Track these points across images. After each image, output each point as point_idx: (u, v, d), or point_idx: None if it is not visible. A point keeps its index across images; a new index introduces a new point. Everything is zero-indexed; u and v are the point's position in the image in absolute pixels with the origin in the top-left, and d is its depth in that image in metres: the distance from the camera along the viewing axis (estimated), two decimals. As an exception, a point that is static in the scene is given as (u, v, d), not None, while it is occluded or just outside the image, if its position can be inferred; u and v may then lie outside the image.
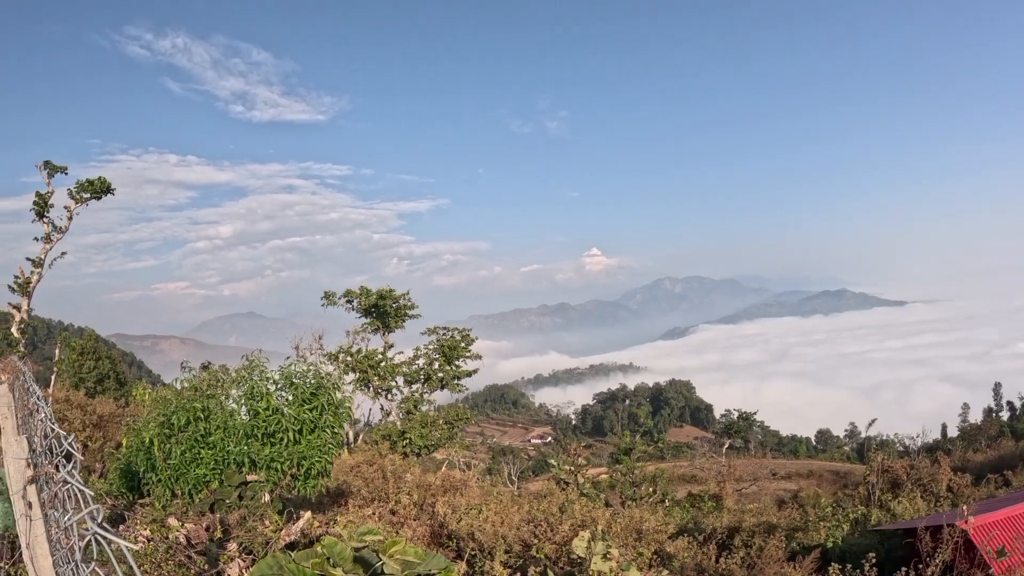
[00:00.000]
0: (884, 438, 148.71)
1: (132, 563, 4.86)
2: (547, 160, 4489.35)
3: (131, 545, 4.88)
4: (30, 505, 7.03)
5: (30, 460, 7.09)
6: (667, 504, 51.41)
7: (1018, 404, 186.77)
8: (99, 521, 5.17)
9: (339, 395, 17.38)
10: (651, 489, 54.73)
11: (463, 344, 51.04)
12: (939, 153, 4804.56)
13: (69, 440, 6.69)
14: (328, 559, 7.89)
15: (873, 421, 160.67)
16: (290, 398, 16.39)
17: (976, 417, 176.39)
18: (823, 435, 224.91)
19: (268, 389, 16.31)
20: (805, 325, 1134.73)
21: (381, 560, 8.23)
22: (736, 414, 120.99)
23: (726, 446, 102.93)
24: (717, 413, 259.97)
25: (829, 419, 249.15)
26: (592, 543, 13.47)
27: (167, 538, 11.70)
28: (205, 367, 19.22)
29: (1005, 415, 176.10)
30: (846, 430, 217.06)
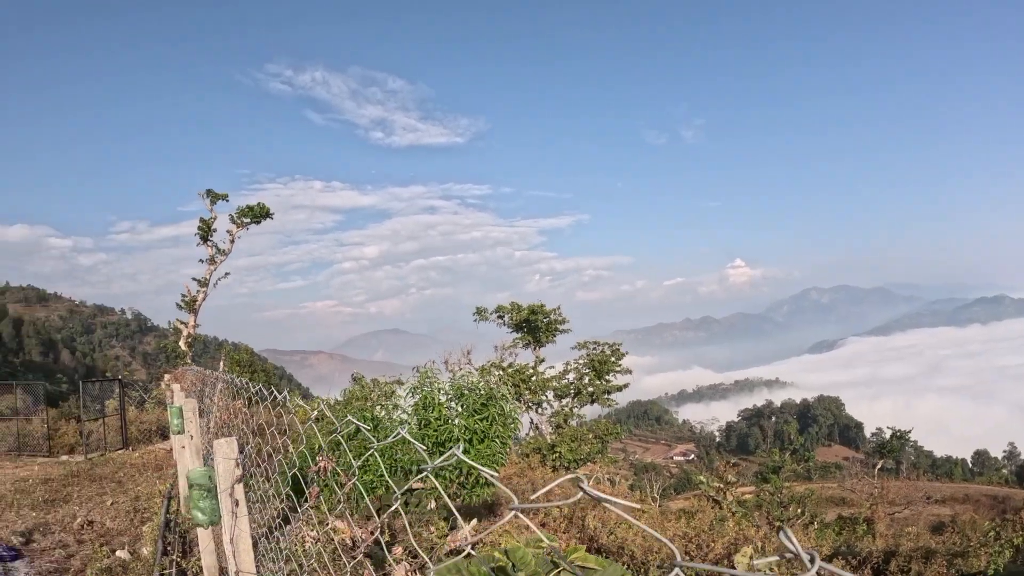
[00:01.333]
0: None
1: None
2: (685, 170, 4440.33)
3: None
4: (236, 503, 7.54)
5: (238, 461, 7.60)
6: (816, 526, 50.19)
7: None
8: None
9: (508, 407, 17.81)
10: (799, 510, 53.43)
11: (613, 359, 51.18)
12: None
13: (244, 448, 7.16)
14: (511, 564, 8.07)
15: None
16: (460, 409, 16.89)
17: None
18: (980, 456, 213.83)
19: (439, 400, 16.87)
20: (960, 335, 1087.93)
21: (560, 567, 8.38)
22: (889, 432, 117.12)
23: (878, 467, 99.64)
24: (867, 431, 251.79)
25: (986, 438, 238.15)
26: (752, 559, 13.36)
27: (333, 540, 12.20)
28: (356, 379, 19.97)
29: None
30: (1005, 451, 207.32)
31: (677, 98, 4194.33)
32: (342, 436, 15.50)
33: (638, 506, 3.09)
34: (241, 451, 7.76)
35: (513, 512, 2.83)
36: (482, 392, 17.32)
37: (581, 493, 2.28)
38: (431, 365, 18.45)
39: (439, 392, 17.24)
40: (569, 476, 2.54)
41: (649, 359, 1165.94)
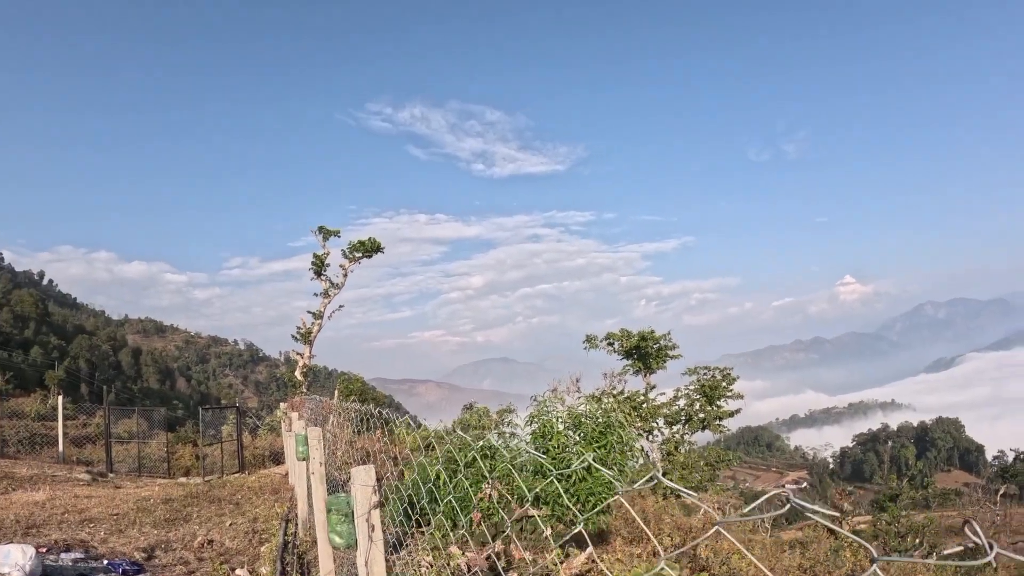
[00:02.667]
0: None
1: None
2: (789, 186, 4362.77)
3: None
4: (372, 528, 8.07)
5: (376, 488, 8.14)
6: (935, 557, 48.92)
7: None
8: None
9: (626, 434, 18.09)
10: (917, 540, 52.19)
11: (724, 384, 50.90)
12: None
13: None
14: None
15: None
16: (578, 437, 17.26)
17: None
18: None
19: (558, 429, 17.27)
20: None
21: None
22: (1012, 455, 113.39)
23: (1000, 492, 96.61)
24: (989, 455, 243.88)
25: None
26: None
27: (448, 565, 12.62)
28: (468, 408, 20.52)
29: None
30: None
31: (777, 113, 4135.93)
32: (460, 464, 16.06)
33: (836, 514, 3.41)
34: (379, 479, 8.29)
35: (715, 527, 3.14)
36: (600, 420, 17.66)
37: (788, 506, 2.61)
38: (550, 395, 18.87)
39: (557, 420, 17.65)
40: (773, 490, 2.89)
41: (759, 383, 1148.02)
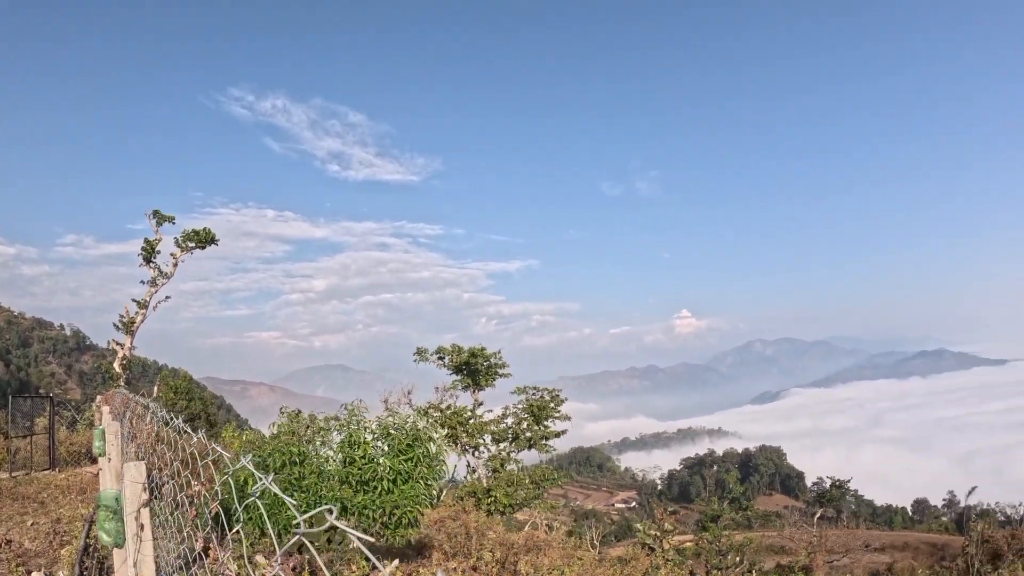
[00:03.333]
0: (984, 507, 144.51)
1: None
2: (638, 221, 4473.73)
3: None
4: (142, 527, 7.56)
5: (146, 485, 7.62)
6: (754, 574, 50.62)
7: None
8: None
9: (434, 448, 17.82)
10: (738, 559, 53.98)
11: (552, 404, 50.96)
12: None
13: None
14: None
15: (973, 489, 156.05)
16: (386, 448, 16.89)
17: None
18: (920, 505, 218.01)
19: (365, 439, 16.86)
20: (901, 388, 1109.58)
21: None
22: (829, 482, 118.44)
23: (817, 515, 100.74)
24: (808, 481, 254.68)
25: (926, 488, 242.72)
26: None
27: (253, 574, 12.12)
28: (295, 415, 19.89)
29: None
30: (944, 499, 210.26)
31: (633, 151, 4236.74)
32: (271, 469, 15.50)
33: (371, 539, 3.18)
34: (149, 475, 7.77)
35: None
36: (408, 432, 17.35)
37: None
38: (359, 403, 18.44)
39: (365, 430, 17.25)
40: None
41: (593, 406, 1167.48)
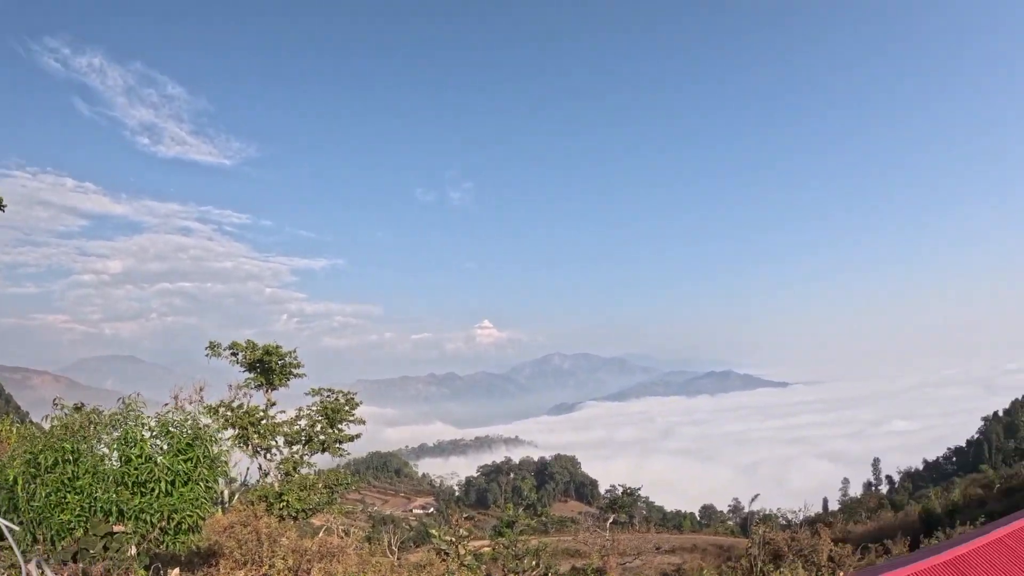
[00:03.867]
0: (767, 512, 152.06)
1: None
2: (448, 229, 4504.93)
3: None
4: None
5: None
6: (550, 577, 51.05)
7: (896, 478, 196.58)
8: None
9: (216, 448, 16.73)
10: (534, 562, 54.37)
11: (347, 407, 49.83)
12: (823, 247, 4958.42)
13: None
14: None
15: (756, 496, 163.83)
16: (165, 447, 15.73)
17: (856, 491, 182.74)
18: (707, 510, 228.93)
19: (143, 436, 15.64)
20: (690, 404, 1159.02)
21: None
22: (621, 489, 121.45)
23: (610, 521, 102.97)
24: (602, 488, 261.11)
25: (712, 495, 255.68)
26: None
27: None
28: (77, 408, 18.29)
29: (884, 488, 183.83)
30: (729, 505, 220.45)
31: (450, 160, 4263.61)
32: (39, 468, 14.16)
33: None
34: None
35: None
36: (188, 432, 16.20)
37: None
38: (136, 396, 17.10)
39: (143, 428, 16.01)
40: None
41: (391, 411, 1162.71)
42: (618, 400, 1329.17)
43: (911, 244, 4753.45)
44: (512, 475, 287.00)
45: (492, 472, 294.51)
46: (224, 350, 49.71)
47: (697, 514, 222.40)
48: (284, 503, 42.42)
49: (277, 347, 49.41)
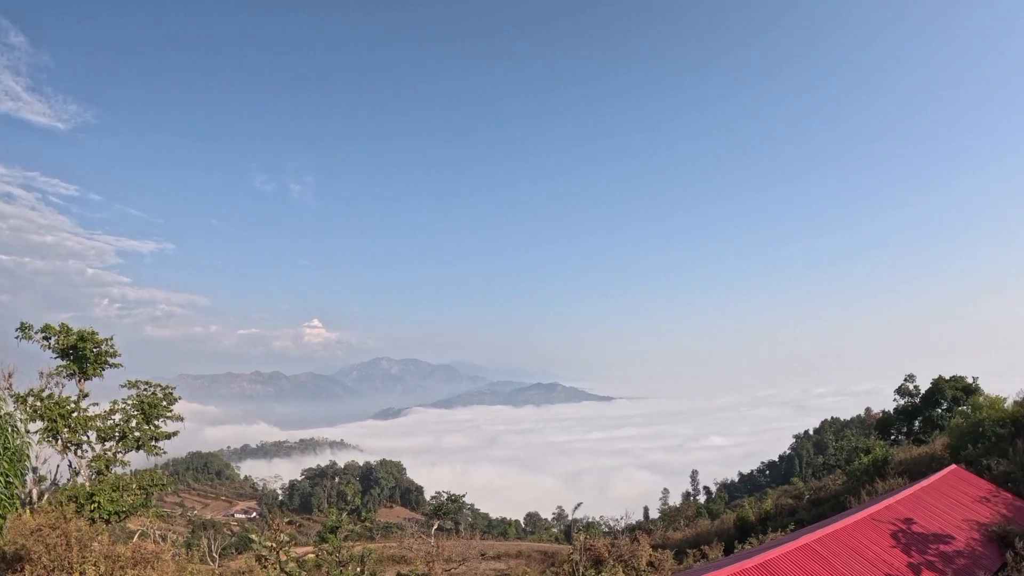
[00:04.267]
0: (590, 520, 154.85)
1: None
2: (284, 223, 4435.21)
3: None
4: None
5: None
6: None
7: (713, 489, 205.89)
8: None
9: (18, 440, 14.16)
10: (358, 569, 52.99)
11: (164, 403, 46.31)
12: (651, 272, 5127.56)
13: None
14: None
15: (579, 505, 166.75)
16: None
17: (675, 501, 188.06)
18: (532, 518, 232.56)
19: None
20: (516, 414, 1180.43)
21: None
22: (446, 496, 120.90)
23: (435, 527, 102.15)
24: (427, 495, 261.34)
25: (537, 503, 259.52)
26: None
27: None
28: None
29: (702, 498, 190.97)
30: (554, 513, 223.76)
31: (294, 151, 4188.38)
32: None
33: None
34: None
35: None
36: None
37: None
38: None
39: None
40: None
41: (213, 409, 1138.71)
42: (445, 407, 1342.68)
43: (734, 271, 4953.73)
44: (337, 479, 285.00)
45: (317, 476, 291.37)
46: (36, 333, 45.29)
47: (522, 521, 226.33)
48: (95, 505, 38.98)
49: (93, 333, 45.29)
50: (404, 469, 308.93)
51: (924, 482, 34.64)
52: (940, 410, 79.53)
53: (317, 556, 58.23)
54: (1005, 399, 60.90)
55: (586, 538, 52.97)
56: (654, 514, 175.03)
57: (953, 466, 38.77)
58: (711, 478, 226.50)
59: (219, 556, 55.92)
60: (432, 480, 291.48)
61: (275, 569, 40.39)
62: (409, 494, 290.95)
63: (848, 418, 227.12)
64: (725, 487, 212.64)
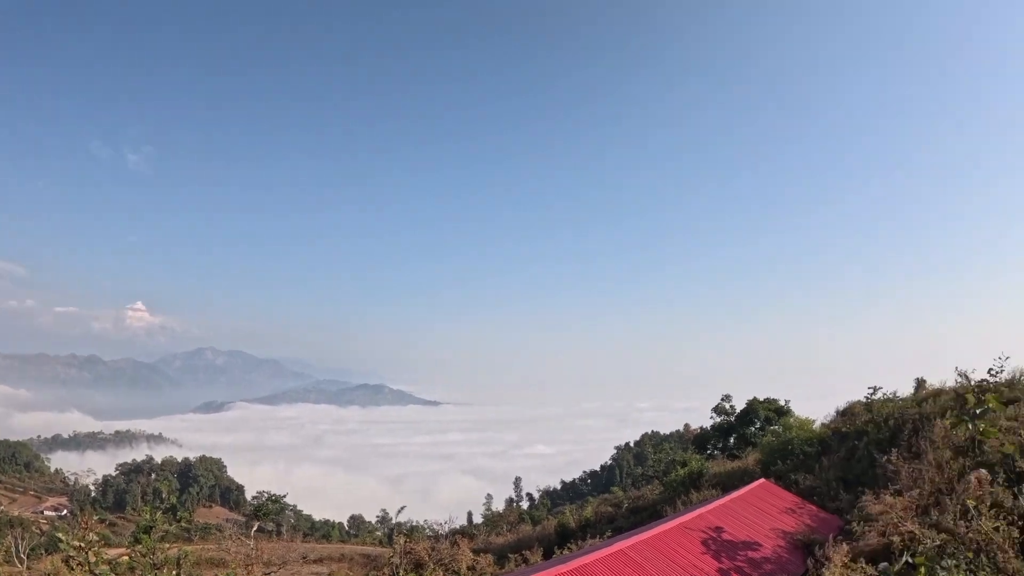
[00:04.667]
0: (414, 524, 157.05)
1: None
2: (116, 193, 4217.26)
3: None
4: None
5: None
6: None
7: (536, 495, 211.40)
8: None
9: None
10: (174, 572, 53.06)
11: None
12: (480, 278, 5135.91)
13: None
14: None
15: (402, 508, 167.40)
16: None
17: (499, 506, 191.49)
18: (356, 520, 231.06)
19: None
20: (342, 414, 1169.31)
21: None
22: (267, 496, 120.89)
23: (255, 528, 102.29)
24: (249, 494, 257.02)
25: (361, 505, 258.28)
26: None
27: None
28: None
29: (525, 504, 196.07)
30: (378, 516, 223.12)
31: (134, 116, 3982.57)
32: None
33: None
34: None
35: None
36: None
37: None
38: None
39: None
40: None
41: (24, 392, 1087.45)
42: (270, 403, 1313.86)
43: (562, 283, 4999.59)
44: (154, 476, 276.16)
45: (132, 472, 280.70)
46: None
47: (346, 524, 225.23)
48: None
49: None
50: (225, 467, 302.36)
51: (734, 493, 37.19)
52: (754, 428, 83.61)
53: (130, 558, 58.13)
54: (814, 421, 66.10)
55: (406, 541, 54.52)
56: (478, 519, 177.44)
57: (762, 480, 41.90)
58: (534, 485, 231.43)
59: (27, 557, 55.36)
60: (254, 479, 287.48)
61: (83, 571, 40.50)
62: (229, 493, 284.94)
63: (668, 432, 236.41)
64: (548, 494, 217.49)
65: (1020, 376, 41.06)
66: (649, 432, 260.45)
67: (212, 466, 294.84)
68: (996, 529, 19.57)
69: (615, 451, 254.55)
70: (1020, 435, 27.54)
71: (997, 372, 34.39)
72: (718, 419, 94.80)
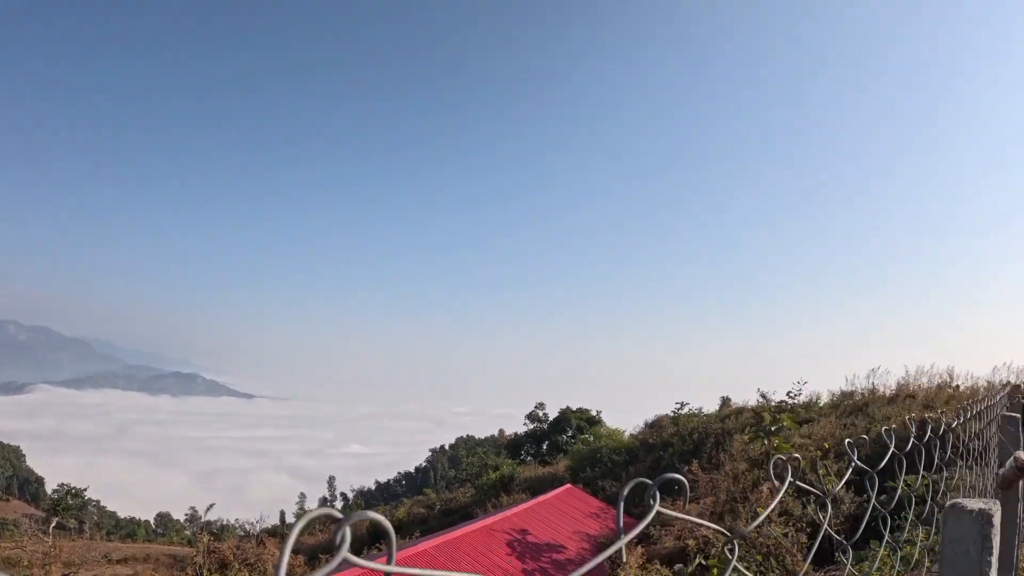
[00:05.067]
0: (224, 523, 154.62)
1: None
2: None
3: None
4: None
5: None
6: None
7: (350, 495, 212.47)
8: None
9: None
10: None
11: None
12: (303, 273, 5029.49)
13: None
14: None
15: (212, 506, 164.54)
16: None
17: (312, 506, 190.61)
18: (163, 518, 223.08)
19: None
20: (152, 402, 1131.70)
21: None
22: (67, 489, 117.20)
23: (53, 525, 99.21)
24: (49, 487, 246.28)
25: (168, 502, 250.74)
26: None
27: None
28: None
29: (339, 504, 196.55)
30: (187, 514, 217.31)
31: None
32: None
33: None
34: None
35: None
36: None
37: None
38: None
39: None
40: None
41: None
42: (75, 387, 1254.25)
43: (386, 280, 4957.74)
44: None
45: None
46: None
47: (152, 522, 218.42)
48: None
49: None
50: (23, 456, 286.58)
51: (541, 497, 38.91)
52: (565, 436, 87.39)
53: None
54: (624, 432, 69.98)
55: (210, 540, 54.05)
56: (290, 518, 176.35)
57: (568, 485, 43.68)
58: (349, 485, 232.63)
59: None
60: (55, 470, 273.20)
61: None
62: (28, 485, 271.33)
63: (482, 437, 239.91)
64: (362, 494, 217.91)
65: (815, 399, 45.20)
66: (464, 435, 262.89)
67: (10, 454, 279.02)
68: (785, 535, 21.64)
69: (430, 453, 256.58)
70: (811, 451, 30.53)
71: (795, 395, 38.61)
72: (531, 426, 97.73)
